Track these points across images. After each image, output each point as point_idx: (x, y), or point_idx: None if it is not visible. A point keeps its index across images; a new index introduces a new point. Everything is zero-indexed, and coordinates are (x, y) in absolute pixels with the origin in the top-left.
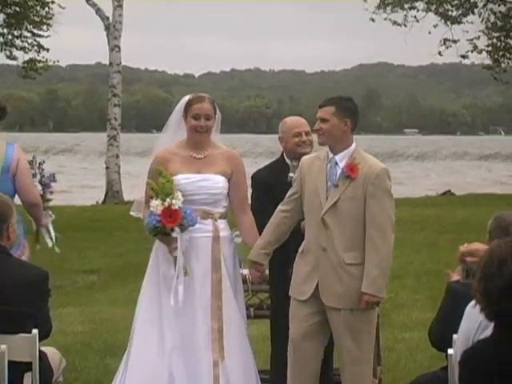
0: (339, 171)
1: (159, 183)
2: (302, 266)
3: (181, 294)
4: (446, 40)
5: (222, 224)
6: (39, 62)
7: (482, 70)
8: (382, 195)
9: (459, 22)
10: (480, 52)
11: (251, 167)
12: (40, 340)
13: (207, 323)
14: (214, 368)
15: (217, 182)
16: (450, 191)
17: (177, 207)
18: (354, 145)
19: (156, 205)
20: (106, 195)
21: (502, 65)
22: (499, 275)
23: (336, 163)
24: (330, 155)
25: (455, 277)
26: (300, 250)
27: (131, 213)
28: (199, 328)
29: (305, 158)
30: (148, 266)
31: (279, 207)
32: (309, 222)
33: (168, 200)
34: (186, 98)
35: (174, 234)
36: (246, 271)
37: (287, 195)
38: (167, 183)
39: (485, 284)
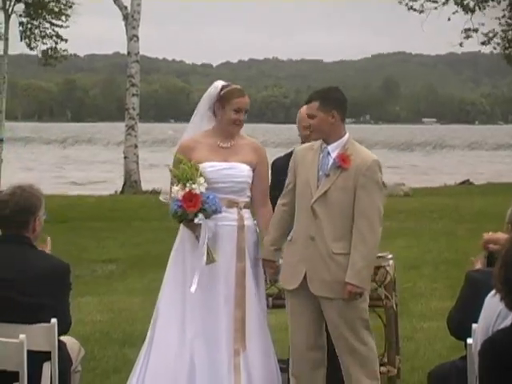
0: (331, 161)
1: (180, 169)
2: (290, 254)
3: (195, 283)
4: (466, 30)
5: (247, 213)
6: (58, 51)
7: (501, 59)
8: (372, 187)
9: (480, 8)
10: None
11: (270, 157)
12: (59, 334)
13: (229, 312)
14: (235, 357)
15: (242, 171)
16: (468, 180)
17: (197, 192)
18: (347, 135)
19: (177, 190)
20: (124, 185)
21: None
22: None
23: (328, 153)
24: (324, 145)
25: (478, 265)
26: (288, 238)
27: (160, 198)
28: (221, 316)
29: (298, 148)
30: (171, 254)
31: (279, 201)
32: (299, 211)
33: (188, 185)
34: (219, 85)
35: (196, 220)
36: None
37: (285, 187)
38: (188, 169)
39: (505, 272)
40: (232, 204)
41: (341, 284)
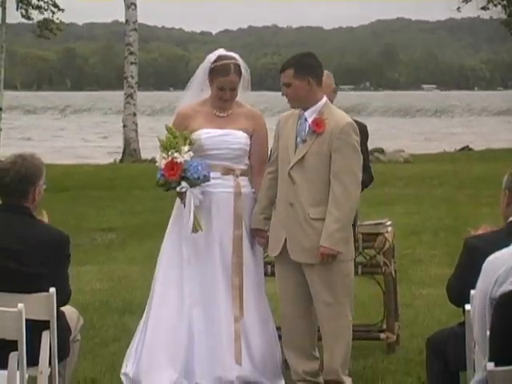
0: (307, 127)
1: (166, 138)
2: (273, 222)
3: (184, 252)
4: None
5: (244, 181)
6: (54, 22)
7: (501, 25)
8: (347, 150)
9: None
10: (496, 5)
11: (271, 124)
12: (59, 306)
13: (227, 279)
14: (235, 324)
15: (238, 138)
16: (468, 147)
17: (179, 160)
18: (323, 100)
19: (160, 159)
20: (123, 153)
21: None
22: None
23: (305, 119)
24: (301, 112)
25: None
26: (275, 204)
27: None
28: (219, 284)
29: (282, 115)
30: (169, 224)
31: (267, 169)
32: (280, 178)
33: (170, 153)
34: (213, 57)
35: (178, 188)
36: None
37: (270, 154)
38: (173, 138)
39: None
40: (228, 171)
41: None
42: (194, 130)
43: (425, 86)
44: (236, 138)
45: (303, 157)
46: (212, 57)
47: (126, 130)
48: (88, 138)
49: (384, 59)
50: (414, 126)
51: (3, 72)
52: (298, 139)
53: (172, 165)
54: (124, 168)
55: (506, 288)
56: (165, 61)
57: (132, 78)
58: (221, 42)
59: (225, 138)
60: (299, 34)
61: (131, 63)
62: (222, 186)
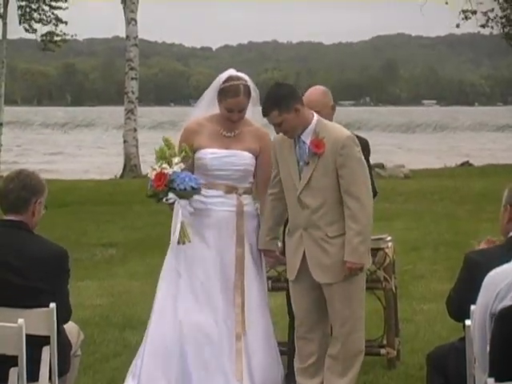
0: (307, 149)
1: (160, 149)
2: (288, 246)
3: (182, 268)
4: (464, 11)
5: (247, 199)
6: (57, 35)
7: (501, 40)
8: (352, 163)
9: None
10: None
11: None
12: (60, 323)
13: (227, 296)
14: (237, 342)
15: (243, 159)
16: (468, 162)
17: (167, 171)
18: (314, 119)
19: (151, 170)
20: (124, 169)
21: None
22: None
23: (303, 142)
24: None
25: (482, 245)
26: (287, 230)
27: None
28: (219, 301)
29: (276, 138)
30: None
31: (269, 190)
32: (289, 204)
33: (160, 164)
34: (223, 77)
35: (164, 200)
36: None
37: (271, 177)
38: (168, 149)
39: None
40: (231, 189)
41: (340, 266)
42: (199, 146)
43: (425, 101)
44: (241, 159)
45: (309, 180)
46: (223, 77)
47: (126, 145)
48: (88, 154)
49: (384, 74)
50: (415, 142)
51: (4, 87)
52: (301, 163)
53: (160, 175)
54: (124, 183)
55: (506, 303)
56: (165, 76)
57: (133, 93)
58: (221, 58)
59: (230, 159)
60: (299, 49)
61: (132, 78)
62: (224, 205)
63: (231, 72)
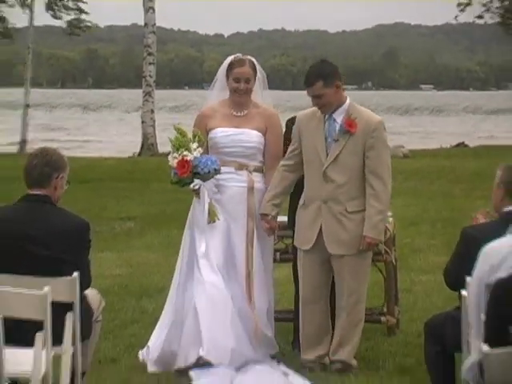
0: (338, 127)
1: (174, 138)
2: (304, 216)
3: (204, 245)
4: (460, 4)
5: (257, 177)
6: (82, 21)
7: (496, 29)
8: (380, 147)
9: None
10: (491, 15)
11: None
12: (81, 290)
13: (239, 266)
14: (249, 304)
15: (252, 137)
16: (463, 143)
17: (189, 158)
18: (348, 100)
19: (171, 158)
20: (141, 148)
21: None
22: None
23: (334, 120)
24: (326, 115)
25: (481, 220)
26: (301, 202)
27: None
28: (232, 269)
29: (301, 113)
30: (187, 220)
31: (282, 162)
32: (310, 177)
33: (180, 152)
34: (229, 59)
35: (191, 186)
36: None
37: (288, 151)
38: (182, 138)
39: None
40: (242, 166)
41: (356, 240)
42: (212, 127)
43: (423, 86)
44: (250, 136)
45: (337, 156)
46: (230, 58)
47: (144, 125)
48: (109, 133)
49: (385, 61)
50: (413, 124)
51: (30, 71)
52: (329, 139)
53: (183, 163)
54: (142, 161)
55: (500, 275)
56: (180, 61)
57: (150, 77)
58: (232, 44)
59: (239, 136)
60: (306, 37)
61: (149, 63)
62: (235, 181)
63: (238, 54)
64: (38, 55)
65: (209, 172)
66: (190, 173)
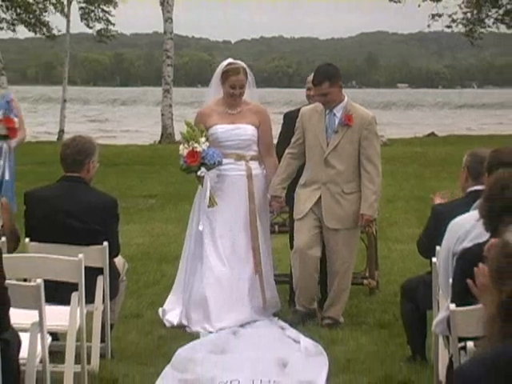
0: (337, 121)
1: (186, 131)
2: (303, 194)
3: (201, 224)
4: (433, 15)
5: (254, 164)
6: (109, 31)
7: (460, 36)
8: (372, 138)
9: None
10: (457, 24)
11: (277, 114)
12: (111, 258)
13: (245, 243)
14: (258, 277)
15: (247, 130)
16: (433, 133)
17: (199, 149)
18: (346, 97)
19: (182, 148)
20: (161, 137)
21: (475, 34)
22: (501, 197)
23: (334, 114)
24: (327, 110)
25: (438, 200)
26: (302, 182)
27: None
28: (238, 246)
29: (304, 109)
30: (193, 204)
31: (288, 150)
32: (311, 162)
33: (191, 144)
34: (224, 63)
35: (199, 173)
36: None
37: (293, 141)
38: (192, 131)
39: (489, 204)
40: (240, 157)
41: (351, 216)
42: (211, 125)
43: (399, 84)
44: (245, 130)
45: (337, 145)
46: (224, 63)
47: (163, 118)
48: (133, 124)
49: (367, 64)
50: (391, 116)
51: (67, 71)
52: (329, 131)
53: (193, 153)
54: (161, 148)
55: (465, 245)
56: (194, 64)
57: (168, 76)
58: (238, 49)
59: (236, 131)
60: (300, 43)
61: (168, 65)
62: (235, 170)
63: (230, 59)
64: (74, 58)
65: (214, 163)
66: (198, 162)
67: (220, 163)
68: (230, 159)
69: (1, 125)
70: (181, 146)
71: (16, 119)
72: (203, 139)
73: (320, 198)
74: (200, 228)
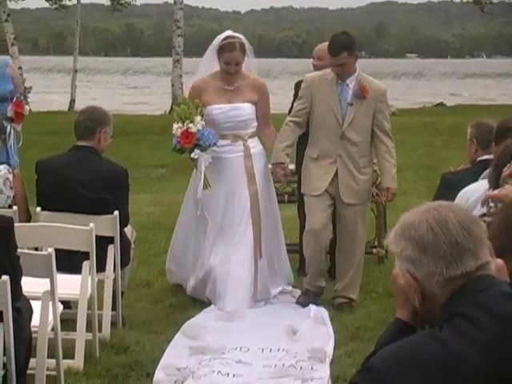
0: (351, 92)
1: (181, 108)
2: (316, 168)
3: (200, 206)
4: None
5: (253, 142)
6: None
7: (469, 6)
8: (386, 110)
9: None
10: None
11: (285, 84)
12: (121, 227)
13: (246, 227)
14: (255, 263)
15: (244, 110)
16: (442, 103)
17: (193, 130)
18: (358, 69)
19: (176, 128)
20: (171, 106)
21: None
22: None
23: (347, 85)
24: (339, 80)
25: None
26: (313, 156)
27: None
28: (237, 233)
29: (310, 76)
30: (188, 186)
31: (291, 118)
32: (325, 135)
33: (186, 123)
34: (221, 36)
35: (192, 155)
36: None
37: (297, 108)
38: (187, 109)
39: (498, 170)
40: (237, 138)
41: (366, 191)
42: (206, 102)
43: (408, 54)
44: (243, 110)
45: (353, 118)
46: (221, 36)
47: (173, 88)
48: (144, 94)
49: (376, 34)
50: (400, 86)
51: (78, 41)
52: (343, 103)
53: (187, 134)
54: (172, 118)
55: (474, 214)
56: (204, 34)
57: (179, 47)
58: (247, 20)
59: (233, 112)
60: (310, 13)
61: (178, 35)
62: (233, 152)
63: (228, 32)
64: (84, 28)
65: (209, 145)
66: (192, 144)
67: (215, 144)
68: (227, 141)
69: (10, 106)
70: (174, 125)
71: (27, 107)
72: (198, 118)
73: (336, 173)
74: (198, 213)
